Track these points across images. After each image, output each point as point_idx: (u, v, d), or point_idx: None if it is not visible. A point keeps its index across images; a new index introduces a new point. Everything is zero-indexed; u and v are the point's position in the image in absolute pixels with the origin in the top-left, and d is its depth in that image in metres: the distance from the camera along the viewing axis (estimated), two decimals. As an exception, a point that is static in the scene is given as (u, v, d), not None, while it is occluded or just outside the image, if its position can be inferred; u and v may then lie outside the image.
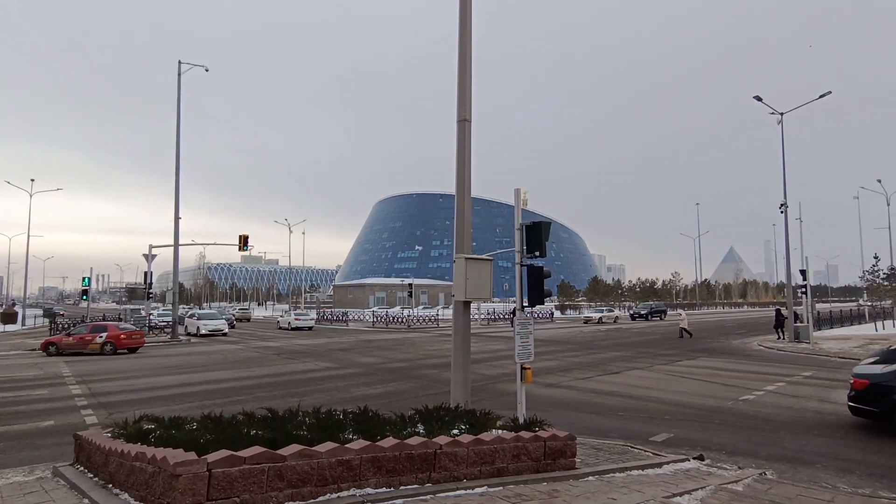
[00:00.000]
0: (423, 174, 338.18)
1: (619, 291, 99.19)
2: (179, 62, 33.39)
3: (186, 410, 10.60)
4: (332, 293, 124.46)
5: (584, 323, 50.99)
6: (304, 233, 69.29)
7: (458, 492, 5.28)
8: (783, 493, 6.25)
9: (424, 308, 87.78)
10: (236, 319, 52.65)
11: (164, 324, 37.19)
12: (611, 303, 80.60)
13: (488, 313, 53.27)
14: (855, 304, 70.12)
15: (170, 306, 41.86)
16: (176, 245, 33.66)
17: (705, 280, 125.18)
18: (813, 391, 14.06)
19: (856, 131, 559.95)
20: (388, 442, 5.35)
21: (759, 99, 29.00)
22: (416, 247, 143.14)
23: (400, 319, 49.29)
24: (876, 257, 49.31)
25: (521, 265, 8.37)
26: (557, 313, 68.39)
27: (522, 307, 8.43)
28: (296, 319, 44.47)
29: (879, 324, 40.68)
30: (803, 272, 31.20)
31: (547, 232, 8.21)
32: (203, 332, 35.69)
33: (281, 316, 51.86)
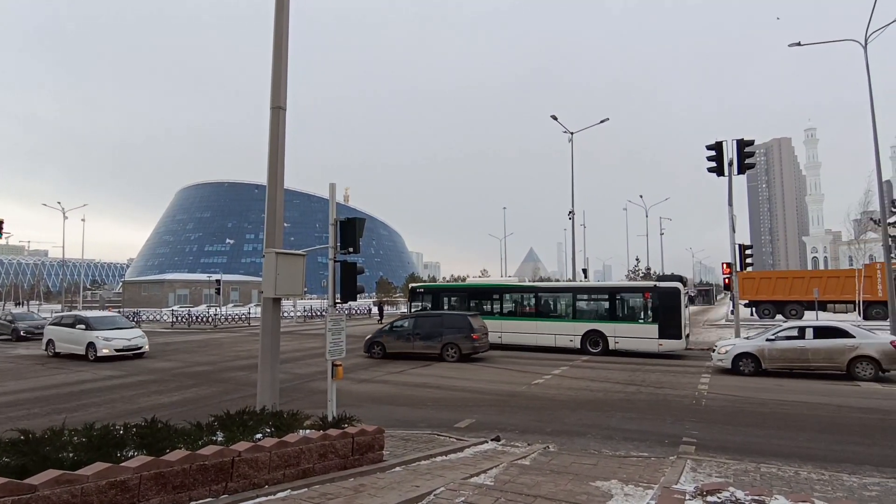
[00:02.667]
0: (237, 162, 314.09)
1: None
2: None
3: None
4: (121, 290, 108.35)
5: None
6: (83, 219, 58.84)
7: (257, 499, 4.97)
8: (560, 463, 7.17)
9: (235, 306, 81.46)
10: None
11: None
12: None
13: (305, 310, 51.62)
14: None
15: None
16: None
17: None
18: (589, 373, 16.43)
19: (631, 149, 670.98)
20: (177, 455, 4.80)
21: (555, 118, 32.89)
22: (228, 240, 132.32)
23: (205, 319, 45.02)
24: (637, 259, 60.07)
25: (335, 261, 8.25)
26: (375, 309, 69.17)
27: (335, 303, 8.31)
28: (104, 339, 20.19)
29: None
30: (585, 271, 36.41)
31: (361, 228, 8.21)
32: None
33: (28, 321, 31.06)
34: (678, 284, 20.84)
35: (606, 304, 21.76)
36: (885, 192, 25.88)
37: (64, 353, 20.97)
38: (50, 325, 22.77)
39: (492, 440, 8.75)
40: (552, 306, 23.18)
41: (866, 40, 21.62)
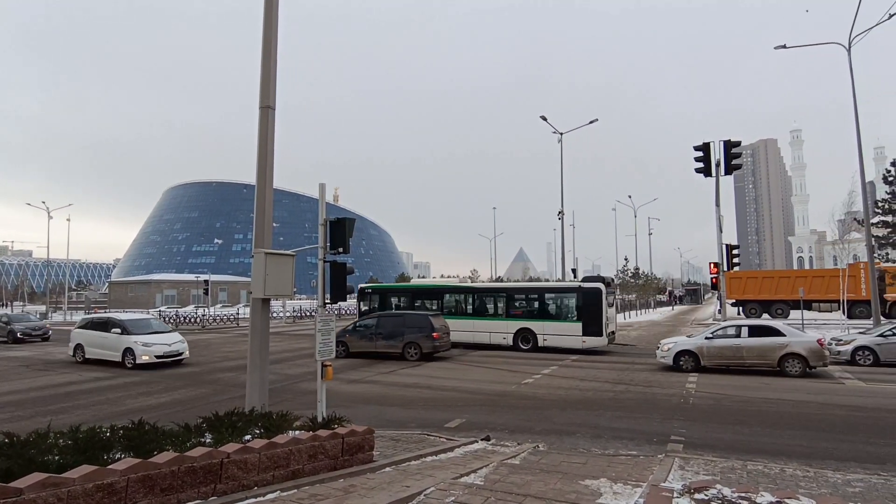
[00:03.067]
0: (226, 161, 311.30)
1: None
2: None
3: None
4: (107, 291, 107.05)
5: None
6: (68, 219, 58.07)
7: (246, 501, 4.95)
8: (550, 462, 7.20)
9: (224, 307, 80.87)
10: None
11: None
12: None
13: (294, 311, 51.36)
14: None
15: None
16: None
17: (499, 277, 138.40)
18: (578, 372, 16.52)
19: (619, 150, 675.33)
20: (165, 457, 4.77)
21: (544, 119, 33.01)
22: (216, 240, 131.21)
23: (193, 319, 44.65)
24: (626, 259, 60.49)
25: (325, 261, 8.22)
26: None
27: (325, 303, 8.28)
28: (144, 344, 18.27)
29: (628, 313, 49.70)
30: (574, 271, 36.58)
31: (351, 228, 8.20)
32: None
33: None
34: (600, 285, 21.65)
35: (536, 304, 22.89)
36: (869, 193, 26.29)
37: (95, 360, 18.88)
38: (79, 328, 20.47)
39: (482, 440, 8.77)
40: (488, 306, 24.00)
41: (850, 43, 21.96)
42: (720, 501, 4.60)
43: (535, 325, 22.15)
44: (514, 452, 7.83)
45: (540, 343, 21.87)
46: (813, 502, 4.50)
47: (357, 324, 21.37)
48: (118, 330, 18.60)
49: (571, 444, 8.78)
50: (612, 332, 22.36)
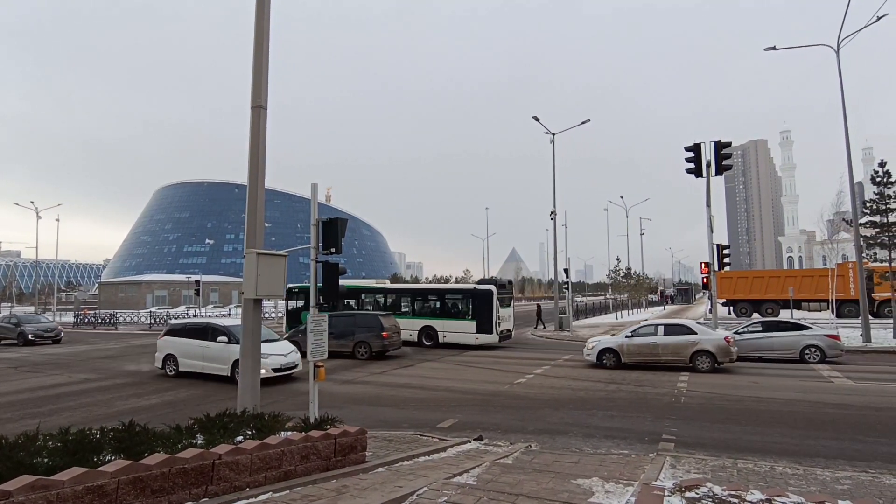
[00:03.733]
0: (217, 161, 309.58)
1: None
2: None
3: None
4: (97, 292, 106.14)
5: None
6: (57, 219, 57.46)
7: (238, 502, 4.92)
8: (543, 461, 7.22)
9: (215, 307, 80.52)
10: None
11: None
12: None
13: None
14: (603, 297, 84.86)
15: None
16: None
17: (492, 277, 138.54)
18: (570, 371, 16.57)
19: (611, 151, 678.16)
20: (156, 458, 4.73)
21: (536, 119, 33.08)
22: (207, 240, 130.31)
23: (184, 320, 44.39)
24: (618, 259, 60.75)
25: (317, 262, 8.20)
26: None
27: (316, 304, 8.26)
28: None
29: (620, 313, 49.94)
30: (566, 271, 36.69)
31: (343, 229, 8.18)
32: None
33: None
34: (492, 287, 23.67)
35: (437, 304, 24.99)
36: (857, 193, 26.59)
37: (193, 374, 15.93)
38: (169, 335, 17.11)
39: (474, 440, 8.78)
40: (399, 305, 26.00)
41: (839, 45, 22.18)
42: (711, 500, 4.64)
43: (436, 323, 24.14)
44: (506, 452, 7.84)
45: (440, 339, 23.74)
46: (802, 500, 4.55)
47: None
48: (225, 339, 15.37)
49: (564, 443, 8.81)
50: (508, 330, 24.62)
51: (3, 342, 28.58)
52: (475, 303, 23.31)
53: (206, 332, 16.28)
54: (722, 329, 19.07)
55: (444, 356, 20.70)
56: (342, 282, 32.02)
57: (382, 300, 26.36)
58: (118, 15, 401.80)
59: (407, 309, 25.61)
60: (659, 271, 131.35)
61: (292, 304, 27.98)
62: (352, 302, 26.92)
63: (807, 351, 17.56)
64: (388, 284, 29.74)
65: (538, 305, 39.45)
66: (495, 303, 22.98)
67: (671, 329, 17.10)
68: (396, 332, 20.87)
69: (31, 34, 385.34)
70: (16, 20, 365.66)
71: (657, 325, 17.41)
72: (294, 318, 27.85)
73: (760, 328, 18.83)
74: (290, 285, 31.55)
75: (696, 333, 16.61)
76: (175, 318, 44.59)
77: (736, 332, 18.04)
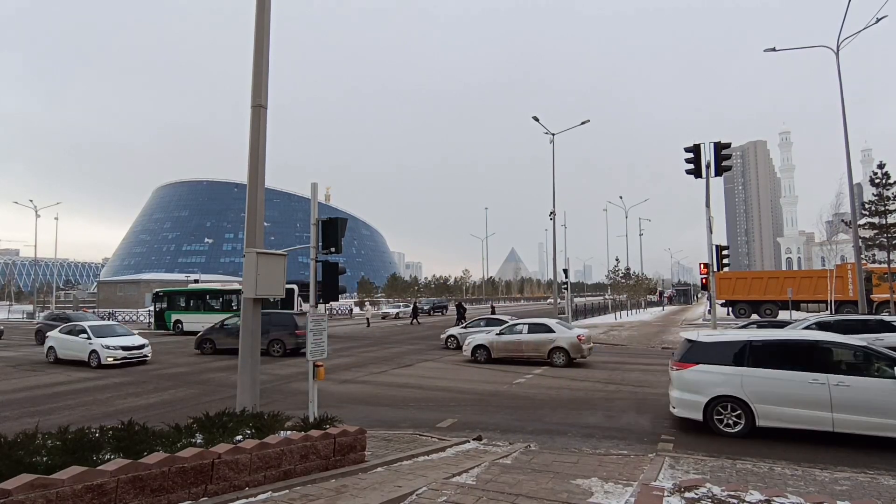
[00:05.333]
0: (216, 160, 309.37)
1: (416, 288, 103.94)
2: None
3: None
4: (95, 290, 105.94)
5: (382, 318, 52.27)
6: (56, 218, 57.56)
7: (237, 502, 4.92)
8: (542, 461, 7.23)
9: (300, 306, 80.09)
10: None
11: None
12: (408, 299, 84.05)
13: (286, 311, 51.18)
14: (602, 298, 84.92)
15: None
16: None
17: (491, 277, 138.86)
18: (569, 372, 16.57)
19: (611, 152, 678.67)
20: (155, 457, 4.73)
21: (536, 119, 33.10)
22: (206, 239, 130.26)
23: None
24: (617, 260, 60.77)
25: (317, 261, 8.20)
26: (357, 309, 68.94)
27: (316, 303, 8.26)
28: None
29: (618, 314, 49.97)
30: (566, 271, 36.67)
31: (343, 228, 8.18)
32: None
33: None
34: (294, 287, 27.78)
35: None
36: (856, 194, 26.62)
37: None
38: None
39: (474, 440, 8.78)
40: (228, 303, 31.68)
41: (838, 46, 22.21)
42: (710, 500, 4.65)
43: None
44: (505, 452, 7.84)
45: None
46: (801, 500, 4.55)
47: (224, 322, 22.99)
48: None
49: (563, 443, 8.82)
50: None
51: None
52: (280, 300, 25.77)
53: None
54: (578, 328, 20.07)
55: (443, 356, 20.70)
56: (192, 286, 37.02)
57: (215, 299, 32.57)
58: (117, 13, 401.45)
59: (231, 306, 30.87)
60: (658, 272, 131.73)
61: (158, 306, 33.80)
62: (200, 301, 33.13)
63: (554, 354, 17.58)
64: (220, 286, 35.80)
65: (459, 304, 39.31)
66: (297, 300, 27.99)
67: (534, 328, 18.50)
68: None
69: (28, 32, 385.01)
70: (14, 15, 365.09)
71: (522, 325, 18.86)
72: (160, 319, 33.73)
73: (517, 329, 18.77)
74: (157, 290, 37.17)
75: (554, 332, 17.96)
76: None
77: (496, 334, 18.83)
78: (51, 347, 20.12)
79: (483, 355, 18.50)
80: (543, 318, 20.42)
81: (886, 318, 15.53)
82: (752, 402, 8.65)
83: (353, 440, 6.71)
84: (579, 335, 17.90)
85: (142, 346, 19.42)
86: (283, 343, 21.24)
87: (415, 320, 42.41)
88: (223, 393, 13.03)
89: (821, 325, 15.11)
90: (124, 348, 18.81)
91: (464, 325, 19.78)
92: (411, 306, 47.96)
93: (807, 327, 14.94)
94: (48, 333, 21.32)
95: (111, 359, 18.29)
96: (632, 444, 8.70)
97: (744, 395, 8.68)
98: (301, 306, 26.27)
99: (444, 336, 23.67)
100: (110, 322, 26.56)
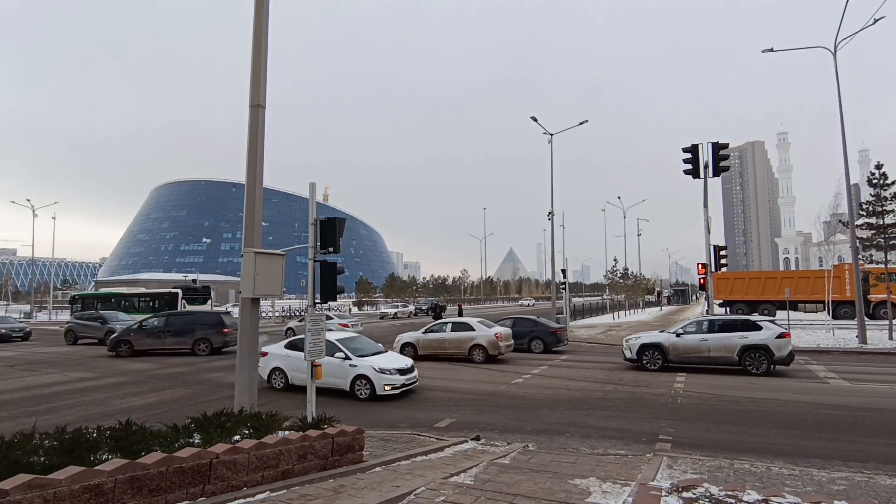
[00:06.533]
0: (214, 159, 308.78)
1: (414, 288, 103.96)
2: None
3: None
4: (93, 290, 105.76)
5: (381, 318, 52.24)
6: (54, 217, 57.38)
7: (235, 501, 4.92)
8: (540, 461, 7.23)
9: (213, 306, 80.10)
10: None
11: None
12: (406, 299, 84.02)
13: (283, 311, 51.10)
14: (600, 298, 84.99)
15: None
16: None
17: (489, 277, 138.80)
18: (567, 372, 16.59)
19: (609, 152, 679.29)
20: (153, 457, 4.72)
21: (534, 119, 33.07)
22: (204, 239, 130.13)
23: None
24: (615, 260, 60.80)
25: (315, 261, 8.20)
26: (355, 309, 68.93)
27: (314, 303, 8.25)
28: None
29: (617, 314, 49.99)
30: (564, 271, 36.68)
31: (341, 228, 8.18)
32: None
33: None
34: (178, 290, 37.52)
35: (149, 303, 37.69)
36: (854, 195, 26.69)
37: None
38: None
39: (472, 439, 8.78)
40: (133, 305, 37.42)
41: (836, 47, 22.25)
42: (708, 500, 4.65)
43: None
44: (503, 452, 7.85)
45: None
46: (798, 500, 4.56)
47: (143, 322, 23.01)
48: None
49: (561, 443, 8.82)
50: None
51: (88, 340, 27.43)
52: (167, 301, 35.68)
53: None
54: (497, 326, 20.37)
55: (442, 356, 20.67)
56: (103, 290, 45.52)
57: (122, 301, 38.12)
58: (113, 12, 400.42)
59: (134, 307, 36.71)
60: (656, 272, 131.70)
61: (76, 308, 38.74)
62: (110, 303, 37.73)
63: (473, 351, 18.78)
64: (126, 290, 41.99)
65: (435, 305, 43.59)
66: (180, 302, 34.51)
67: (456, 327, 19.66)
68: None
69: (24, 30, 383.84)
70: (10, 14, 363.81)
71: (447, 323, 19.99)
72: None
73: (442, 328, 19.84)
74: (74, 293, 43.50)
75: (474, 330, 19.07)
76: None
77: (422, 332, 19.81)
78: (276, 370, 13.86)
79: (410, 352, 19.06)
80: (466, 318, 21.28)
81: (753, 318, 16.85)
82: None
83: (352, 440, 6.71)
84: (497, 333, 18.73)
85: (412, 368, 13.54)
86: (209, 342, 21.74)
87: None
88: (221, 393, 13.01)
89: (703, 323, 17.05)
90: (400, 372, 12.94)
91: (423, 330, 19.68)
92: (431, 306, 52.79)
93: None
94: (266, 349, 14.12)
95: (388, 387, 12.55)
96: (630, 443, 8.71)
97: None
98: (186, 307, 30.85)
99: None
100: (360, 334, 17.28)
